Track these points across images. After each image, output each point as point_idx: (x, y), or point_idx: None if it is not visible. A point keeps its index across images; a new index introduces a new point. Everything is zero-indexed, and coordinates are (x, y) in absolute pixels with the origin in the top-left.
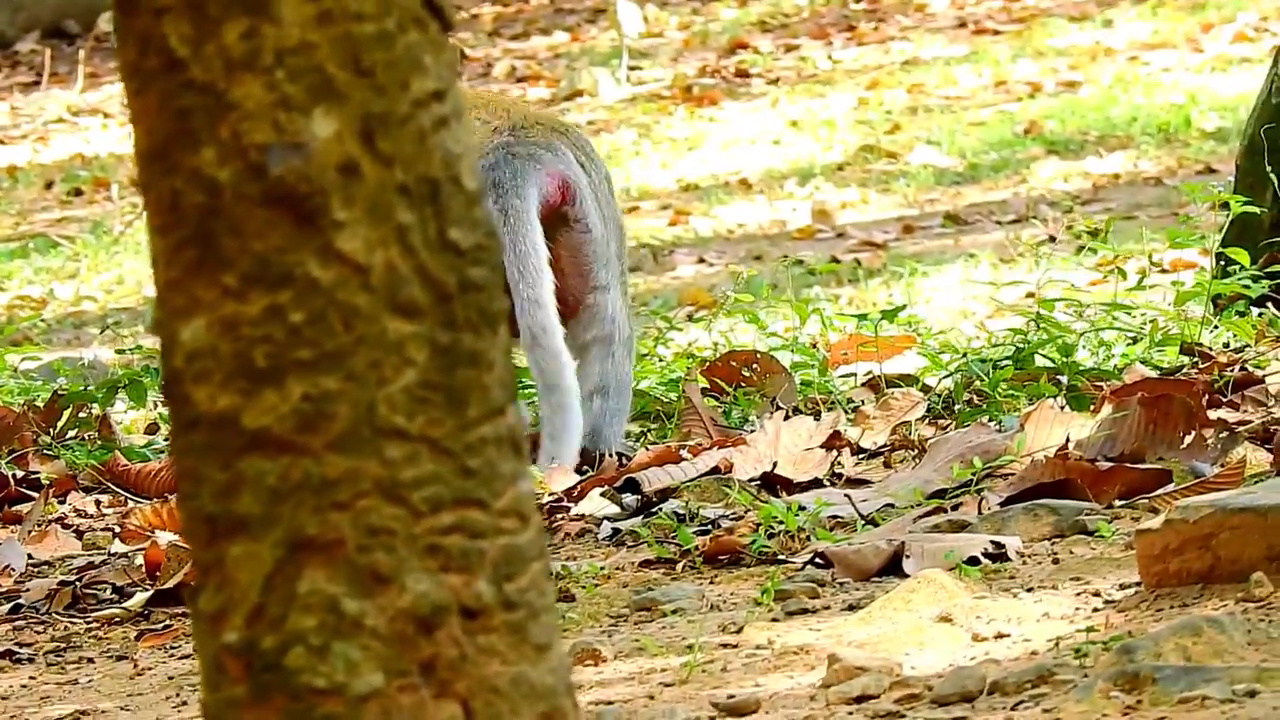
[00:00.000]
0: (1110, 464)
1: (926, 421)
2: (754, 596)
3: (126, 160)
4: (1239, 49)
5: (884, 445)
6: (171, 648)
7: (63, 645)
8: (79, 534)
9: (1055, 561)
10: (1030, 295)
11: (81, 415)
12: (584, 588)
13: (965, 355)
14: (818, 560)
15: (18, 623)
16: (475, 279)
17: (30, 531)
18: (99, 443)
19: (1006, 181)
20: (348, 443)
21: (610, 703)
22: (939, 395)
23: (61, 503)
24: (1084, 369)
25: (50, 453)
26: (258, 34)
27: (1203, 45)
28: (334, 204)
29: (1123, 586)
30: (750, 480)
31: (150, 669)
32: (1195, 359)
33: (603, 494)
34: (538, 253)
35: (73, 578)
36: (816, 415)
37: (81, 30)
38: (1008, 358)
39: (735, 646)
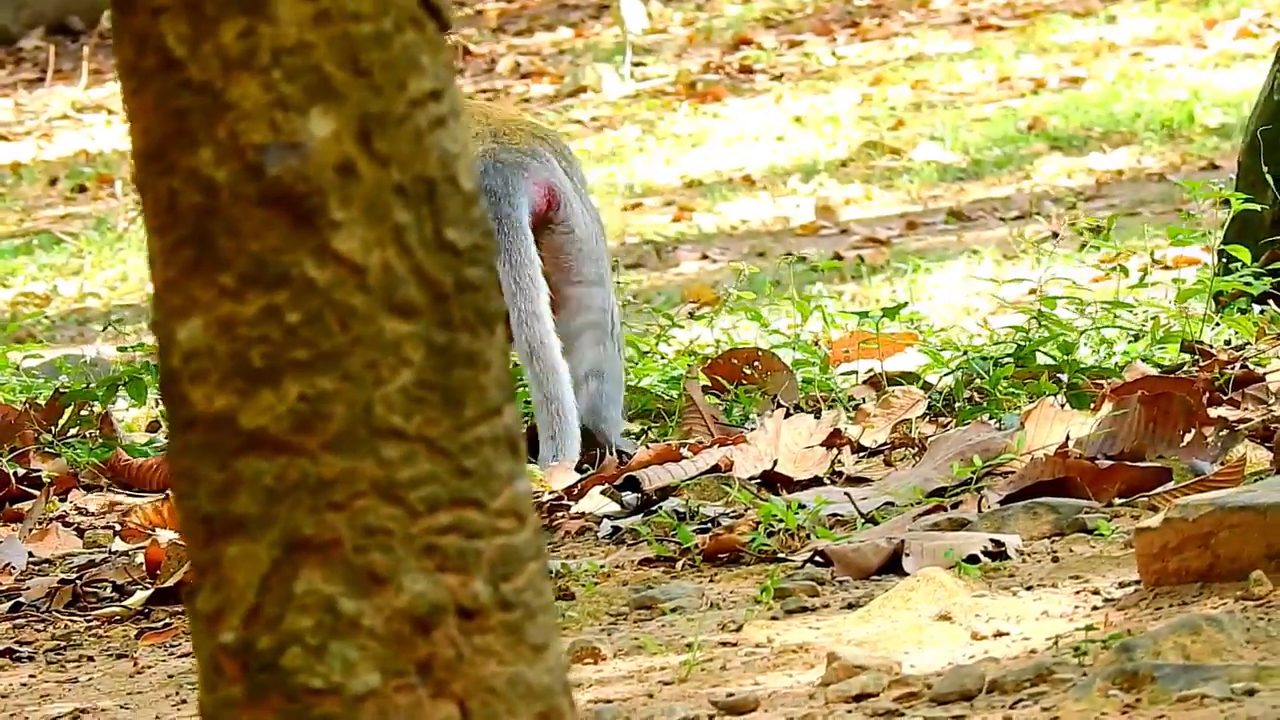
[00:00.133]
0: (1110, 462)
1: (927, 419)
2: (753, 595)
3: (131, 157)
4: (1243, 45)
5: (884, 443)
6: (171, 646)
7: (63, 643)
8: (80, 532)
9: (1055, 560)
10: (1033, 292)
11: (83, 413)
12: (584, 586)
13: (966, 353)
14: (817, 558)
15: (18, 621)
16: (472, 279)
17: (31, 529)
18: (100, 440)
19: (1010, 178)
20: (344, 443)
21: (609, 701)
22: (940, 393)
23: (62, 501)
24: (1085, 367)
25: (51, 450)
26: (255, 33)
27: (1206, 41)
28: (331, 204)
29: (1122, 585)
30: (750, 478)
31: (150, 667)
32: (1196, 357)
33: (603, 492)
34: (534, 263)
35: (73, 576)
36: (817, 413)
37: (86, 26)
38: (1009, 355)
39: (735, 645)
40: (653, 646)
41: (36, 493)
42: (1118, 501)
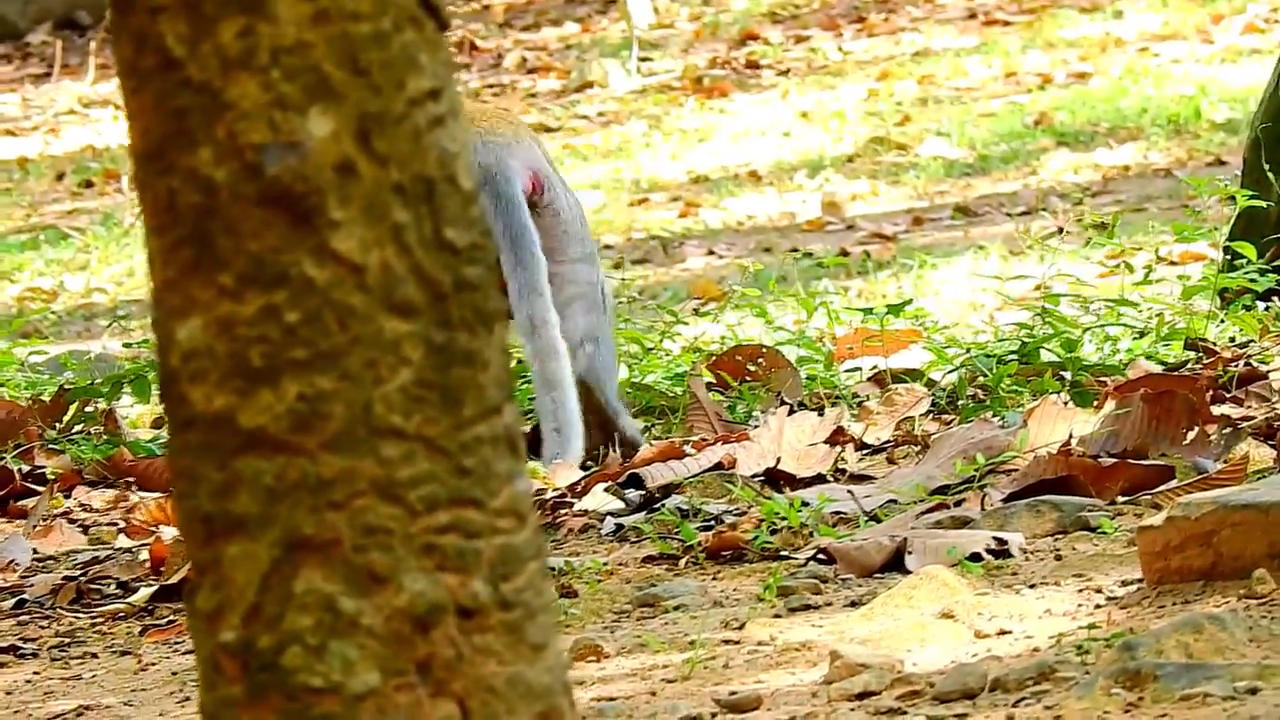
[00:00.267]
0: (1113, 460)
1: (930, 417)
2: (756, 593)
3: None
4: (1249, 40)
5: (887, 441)
6: (175, 643)
7: (67, 640)
8: (84, 529)
9: (1058, 558)
10: (1039, 288)
11: (87, 410)
12: (587, 583)
13: (969, 350)
14: (820, 556)
15: (22, 618)
16: (471, 278)
17: (35, 526)
18: (105, 437)
19: (1016, 173)
20: (343, 442)
21: (612, 699)
22: (943, 390)
23: (67, 497)
24: (1088, 364)
25: (56, 447)
26: (254, 33)
27: (1213, 36)
28: (330, 203)
29: (1125, 583)
30: (753, 476)
31: (154, 664)
32: (1200, 354)
33: (606, 489)
34: (533, 238)
35: (77, 572)
36: (821, 410)
37: (93, 21)
38: (1012, 353)
39: (737, 643)
40: (655, 644)
41: (41, 489)
42: (1121, 499)
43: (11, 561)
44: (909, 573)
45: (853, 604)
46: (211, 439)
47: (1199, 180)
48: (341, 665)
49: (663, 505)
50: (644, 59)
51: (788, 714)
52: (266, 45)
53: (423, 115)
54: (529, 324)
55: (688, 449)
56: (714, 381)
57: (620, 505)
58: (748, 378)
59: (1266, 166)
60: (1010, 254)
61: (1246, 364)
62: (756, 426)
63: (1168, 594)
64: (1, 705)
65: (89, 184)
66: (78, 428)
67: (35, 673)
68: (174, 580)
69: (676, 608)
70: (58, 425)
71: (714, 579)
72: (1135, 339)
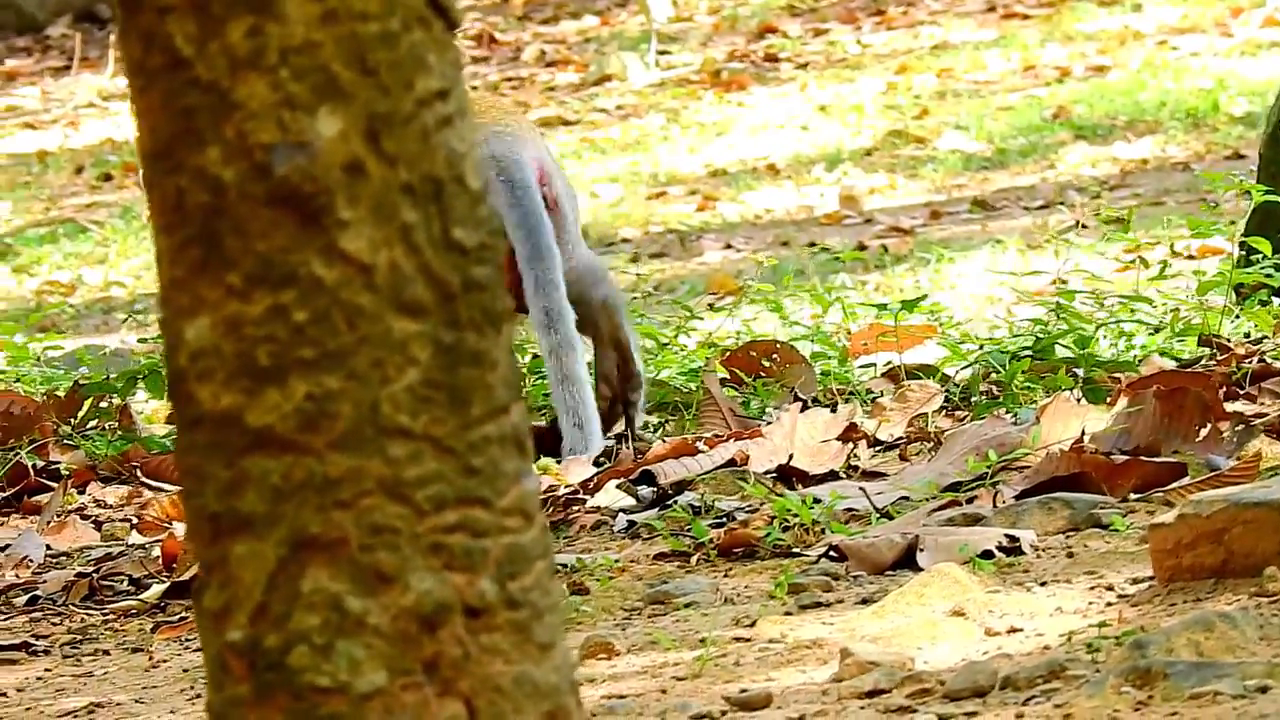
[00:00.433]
0: (1125, 457)
1: (943, 413)
2: (768, 590)
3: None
4: (1268, 33)
5: (900, 437)
6: (187, 640)
7: (79, 637)
8: (98, 525)
9: (1069, 555)
10: (1055, 283)
11: (102, 405)
12: (598, 580)
13: (983, 346)
14: (832, 553)
15: (34, 614)
16: (479, 278)
17: (49, 522)
18: (119, 433)
19: (1034, 167)
20: (351, 441)
21: (623, 696)
22: (956, 387)
23: (80, 493)
24: (1102, 361)
25: (70, 443)
26: (262, 33)
27: (1232, 30)
28: (339, 203)
29: (1136, 581)
30: (766, 473)
31: (165, 661)
32: (1214, 350)
33: (619, 486)
34: (549, 230)
35: (90, 569)
36: (834, 407)
37: (112, 14)
38: (1026, 349)
39: (748, 640)
40: (666, 642)
41: (55, 485)
42: (1133, 497)
43: (25, 558)
44: (920, 570)
45: (864, 601)
46: (219, 438)
47: (1215, 175)
48: (348, 664)
49: (675, 502)
50: (662, 52)
51: (798, 712)
52: (275, 45)
53: (431, 115)
54: (545, 317)
55: (700, 446)
56: (728, 377)
57: (632, 502)
58: (762, 373)
59: None
60: (1028, 248)
61: (1261, 360)
62: (770, 422)
63: (1179, 592)
64: (13, 702)
65: (108, 177)
66: (92, 423)
67: (47, 669)
68: (186, 577)
69: (688, 605)
70: (72, 421)
71: (725, 576)
72: (1150, 335)
